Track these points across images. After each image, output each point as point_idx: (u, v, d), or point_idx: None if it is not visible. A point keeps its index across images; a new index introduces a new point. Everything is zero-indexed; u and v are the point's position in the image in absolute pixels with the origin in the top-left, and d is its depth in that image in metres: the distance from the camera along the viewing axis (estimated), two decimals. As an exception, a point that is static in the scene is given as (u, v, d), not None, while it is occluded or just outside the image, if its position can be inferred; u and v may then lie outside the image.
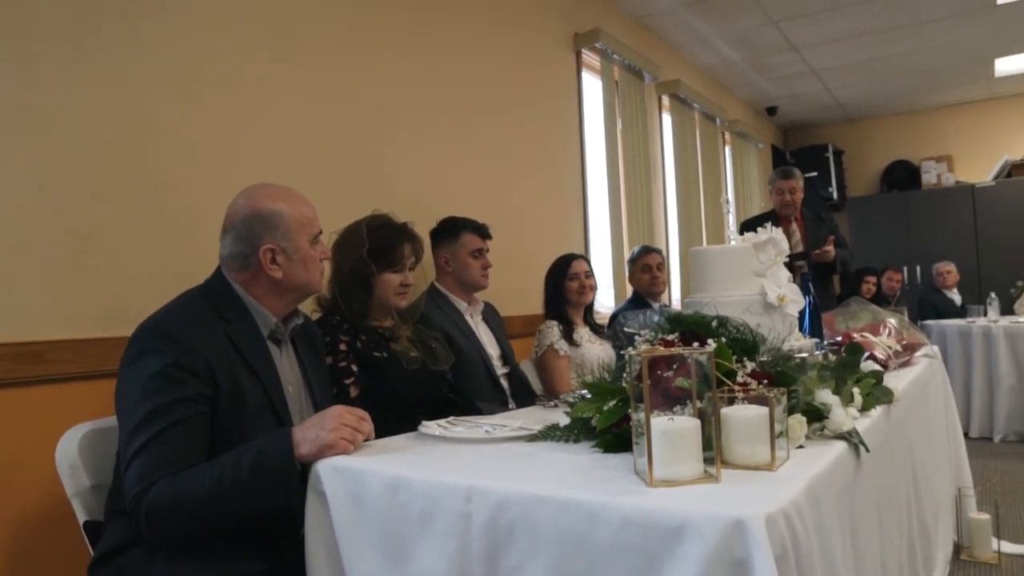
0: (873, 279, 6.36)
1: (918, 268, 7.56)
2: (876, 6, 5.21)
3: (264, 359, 1.56)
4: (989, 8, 5.32)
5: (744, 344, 1.37)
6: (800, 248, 4.39)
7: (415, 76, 3.17)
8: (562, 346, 3.02)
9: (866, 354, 2.11)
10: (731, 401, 1.20)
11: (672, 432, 1.05)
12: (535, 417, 1.71)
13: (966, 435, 5.06)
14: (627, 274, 3.86)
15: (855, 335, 2.35)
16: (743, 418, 1.13)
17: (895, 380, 2.11)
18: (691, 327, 1.43)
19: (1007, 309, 6.06)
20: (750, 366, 1.30)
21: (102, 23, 2.02)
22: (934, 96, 7.65)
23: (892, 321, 2.52)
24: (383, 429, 1.72)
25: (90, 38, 1.98)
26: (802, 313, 2.23)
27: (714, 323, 1.42)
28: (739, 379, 1.26)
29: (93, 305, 1.95)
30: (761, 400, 1.17)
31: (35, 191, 1.85)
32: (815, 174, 7.98)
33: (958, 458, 3.03)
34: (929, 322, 5.93)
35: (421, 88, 3.19)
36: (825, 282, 4.53)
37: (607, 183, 4.58)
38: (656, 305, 3.67)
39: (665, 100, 5.58)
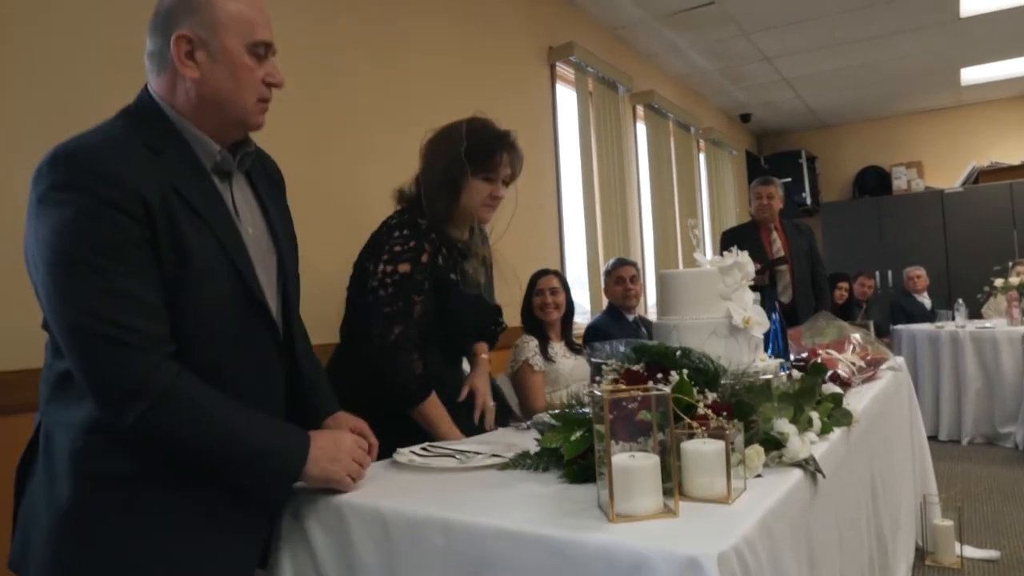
0: (845, 285, 6.48)
1: (889, 272, 7.70)
2: (844, 18, 5.32)
3: (211, 198, 1.28)
4: (953, 21, 5.44)
5: (706, 375, 1.42)
6: (782, 253, 4.51)
7: (390, 88, 3.20)
8: (537, 362, 3.06)
9: (829, 372, 2.17)
10: (691, 434, 1.25)
11: (632, 470, 1.10)
12: (508, 441, 1.75)
13: (935, 438, 5.21)
14: (602, 286, 3.92)
15: (820, 351, 2.42)
16: (701, 453, 1.18)
17: (857, 397, 2.18)
18: (655, 357, 1.49)
19: (975, 312, 6.20)
20: (711, 397, 1.36)
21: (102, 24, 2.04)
22: (904, 103, 7.80)
23: (857, 336, 2.59)
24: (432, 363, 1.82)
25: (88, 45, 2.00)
26: (769, 332, 2.30)
27: (677, 353, 1.47)
28: (700, 411, 1.31)
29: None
30: (720, 433, 1.22)
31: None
32: (789, 180, 8.11)
33: (923, 466, 3.11)
34: (899, 327, 6.05)
35: (396, 100, 3.22)
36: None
37: (582, 195, 4.64)
38: (631, 317, 3.73)
39: (640, 110, 5.66)
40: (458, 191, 1.98)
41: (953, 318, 5.72)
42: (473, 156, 1.96)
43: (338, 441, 1.34)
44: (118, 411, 1.14)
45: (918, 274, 6.93)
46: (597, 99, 4.86)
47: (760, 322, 1.98)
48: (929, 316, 6.63)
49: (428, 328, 1.98)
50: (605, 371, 1.52)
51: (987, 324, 5.50)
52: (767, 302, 2.40)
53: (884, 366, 2.65)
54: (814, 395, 1.63)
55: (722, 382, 1.69)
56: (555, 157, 4.50)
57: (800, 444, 1.36)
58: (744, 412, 1.36)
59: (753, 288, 4.74)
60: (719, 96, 7.15)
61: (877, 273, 7.61)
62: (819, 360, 2.27)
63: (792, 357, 2.49)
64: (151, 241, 1.17)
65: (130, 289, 1.14)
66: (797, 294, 4.47)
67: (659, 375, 1.41)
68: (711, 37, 5.57)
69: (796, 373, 2.14)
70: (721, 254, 5.16)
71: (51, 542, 1.19)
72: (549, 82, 4.53)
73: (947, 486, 3.68)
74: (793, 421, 1.43)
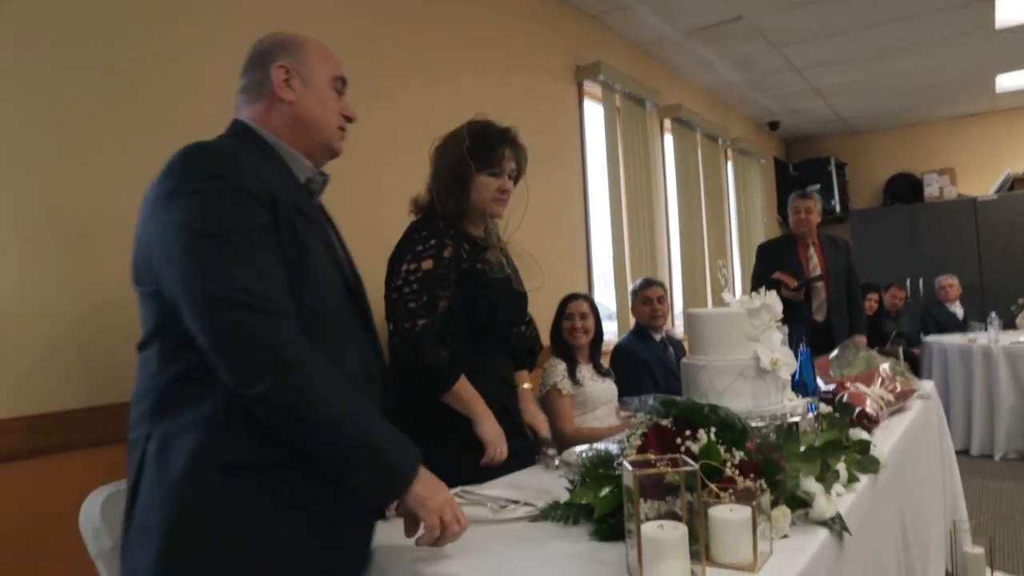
0: (875, 296, 6.42)
1: (920, 281, 7.61)
2: (876, 30, 5.27)
3: (311, 207, 1.41)
4: (988, 31, 5.37)
5: (733, 433, 1.45)
6: (818, 271, 4.48)
7: (418, 107, 3.25)
8: (565, 386, 3.10)
9: (857, 410, 2.19)
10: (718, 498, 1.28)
11: (661, 541, 1.13)
12: (538, 485, 1.79)
13: (967, 452, 5.17)
14: (630, 305, 3.94)
15: (848, 384, 2.43)
16: (728, 521, 1.21)
17: (885, 435, 2.19)
18: (684, 412, 1.52)
19: (1009, 323, 6.11)
20: (738, 456, 1.38)
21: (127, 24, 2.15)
22: (936, 109, 7.69)
23: (885, 367, 2.59)
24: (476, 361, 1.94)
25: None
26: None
27: (705, 409, 1.50)
28: (727, 470, 1.34)
29: (119, 371, 2.04)
30: (747, 497, 1.25)
31: (56, 268, 1.95)
32: (818, 187, 8.04)
33: (953, 491, 3.10)
34: (930, 339, 5.99)
35: (424, 119, 3.24)
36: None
37: (609, 212, 4.66)
38: (658, 336, 3.75)
39: (667, 123, 5.66)
40: (466, 188, 2.08)
41: (986, 330, 5.65)
42: (476, 153, 2.06)
43: (441, 486, 1.33)
44: (252, 378, 1.16)
45: (950, 283, 6.86)
46: (624, 115, 4.87)
47: (788, 363, 1.99)
48: (961, 326, 6.55)
49: (452, 322, 2.05)
50: (634, 424, 1.56)
51: (1021, 338, 5.43)
52: (799, 324, 2.41)
53: (913, 396, 2.65)
54: (840, 447, 1.65)
55: (752, 426, 1.73)
56: (583, 175, 4.53)
57: (826, 503, 1.39)
58: (771, 471, 1.38)
59: (788, 304, 4.72)
60: (747, 105, 7.12)
61: (908, 281, 7.52)
62: (846, 396, 2.28)
63: (821, 387, 2.50)
64: (276, 231, 1.26)
65: (264, 266, 1.22)
66: (832, 313, 4.43)
67: (687, 432, 1.44)
68: (739, 50, 5.55)
69: (824, 407, 2.16)
70: (757, 268, 5.13)
71: (170, 537, 1.20)
72: (576, 100, 4.56)
73: (978, 508, 3.66)
74: (820, 477, 1.46)
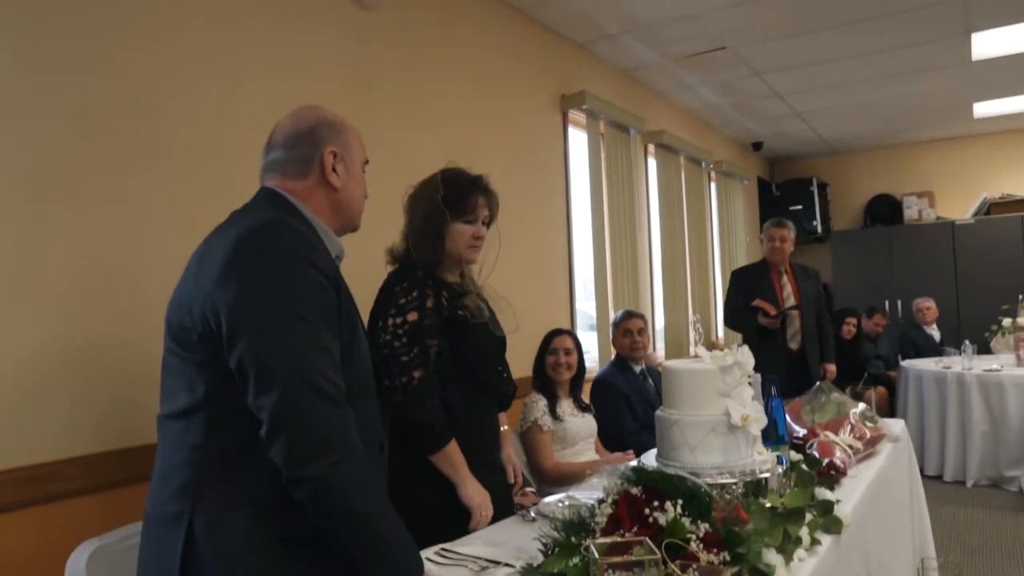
0: (853, 320, 6.52)
1: (899, 303, 7.72)
2: (856, 61, 5.38)
3: (347, 287, 1.42)
4: (965, 63, 5.49)
5: (699, 504, 1.51)
6: (792, 301, 4.55)
7: (402, 137, 3.28)
8: (546, 421, 3.15)
9: (826, 461, 2.25)
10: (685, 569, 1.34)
11: (625, 625, 1.19)
12: (515, 539, 1.84)
13: (940, 478, 5.27)
14: (610, 337, 4.00)
15: (819, 431, 2.50)
16: (691, 602, 1.27)
17: (852, 486, 2.26)
18: (653, 483, 1.57)
19: (984, 347, 6.21)
20: (703, 528, 1.44)
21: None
22: (916, 133, 7.83)
23: (855, 413, 2.66)
24: (461, 403, 2.00)
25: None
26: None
27: (674, 480, 1.56)
28: (692, 545, 1.40)
29: (102, 420, 2.08)
30: (710, 573, 1.31)
31: (46, 316, 1.99)
32: (800, 207, 8.15)
33: (922, 529, 3.18)
34: (906, 364, 6.09)
35: (408, 149, 3.28)
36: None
37: (592, 240, 4.72)
38: (638, 368, 3.81)
39: (651, 148, 5.73)
40: (442, 237, 2.11)
41: (960, 355, 5.74)
42: (450, 202, 2.10)
43: None
44: (305, 460, 1.18)
45: (927, 306, 6.97)
46: (608, 141, 4.93)
47: (758, 419, 2.06)
48: (938, 349, 6.66)
49: (445, 368, 2.10)
50: (607, 490, 1.61)
51: (994, 365, 5.53)
52: (772, 371, 2.46)
53: (882, 441, 2.72)
54: (802, 516, 1.71)
55: (720, 482, 1.80)
56: (566, 203, 4.58)
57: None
58: (734, 543, 1.44)
59: (764, 332, 4.74)
60: (730, 127, 7.21)
61: (886, 303, 7.63)
62: (815, 445, 2.35)
63: (794, 432, 2.56)
64: (339, 312, 1.31)
65: (329, 346, 1.27)
66: (806, 340, 4.51)
67: (655, 503, 1.50)
68: (723, 77, 5.64)
69: (794, 455, 2.23)
70: (731, 293, 5.18)
71: None
72: (561, 128, 4.61)
73: (948, 538, 3.73)
74: (780, 548, 1.52)
